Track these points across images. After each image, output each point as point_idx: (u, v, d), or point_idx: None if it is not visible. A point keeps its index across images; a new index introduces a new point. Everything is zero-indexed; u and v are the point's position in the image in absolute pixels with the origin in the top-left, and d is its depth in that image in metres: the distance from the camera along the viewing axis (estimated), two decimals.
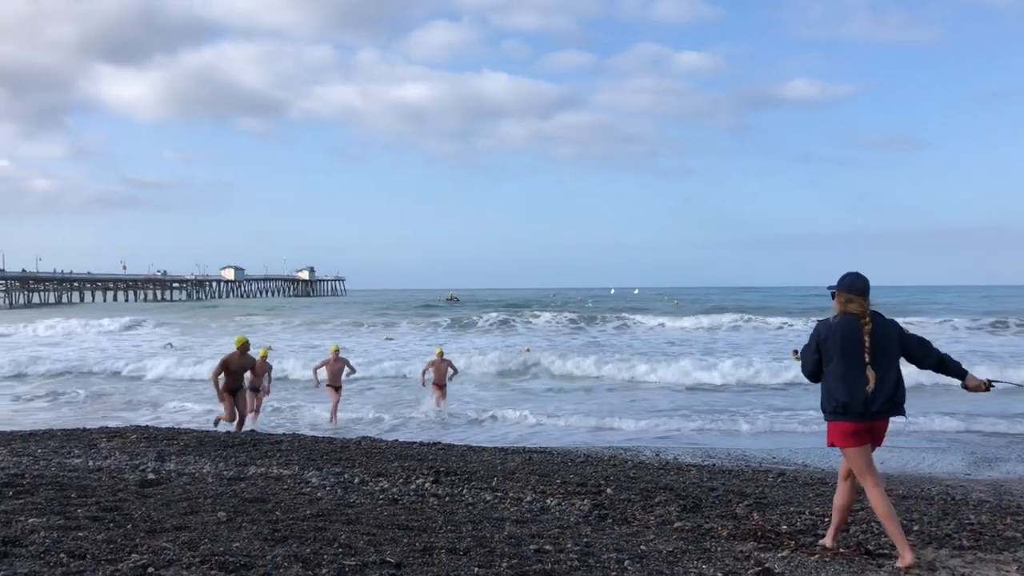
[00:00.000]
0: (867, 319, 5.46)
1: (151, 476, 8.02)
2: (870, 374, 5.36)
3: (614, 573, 4.83)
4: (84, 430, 12.05)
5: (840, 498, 5.74)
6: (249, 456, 9.53)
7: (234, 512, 6.19)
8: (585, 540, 5.71)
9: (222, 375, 12.88)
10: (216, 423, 13.34)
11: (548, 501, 7.27)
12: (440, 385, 17.01)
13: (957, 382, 5.65)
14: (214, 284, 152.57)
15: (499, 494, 7.52)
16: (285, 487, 7.64)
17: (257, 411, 14.69)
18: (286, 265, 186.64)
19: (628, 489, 7.87)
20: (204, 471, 8.46)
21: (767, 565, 5.17)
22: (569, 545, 5.50)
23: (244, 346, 13.28)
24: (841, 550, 5.66)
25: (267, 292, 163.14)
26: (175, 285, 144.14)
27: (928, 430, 13.61)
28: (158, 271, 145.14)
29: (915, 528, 6.43)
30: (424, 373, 17.28)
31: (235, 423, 13.09)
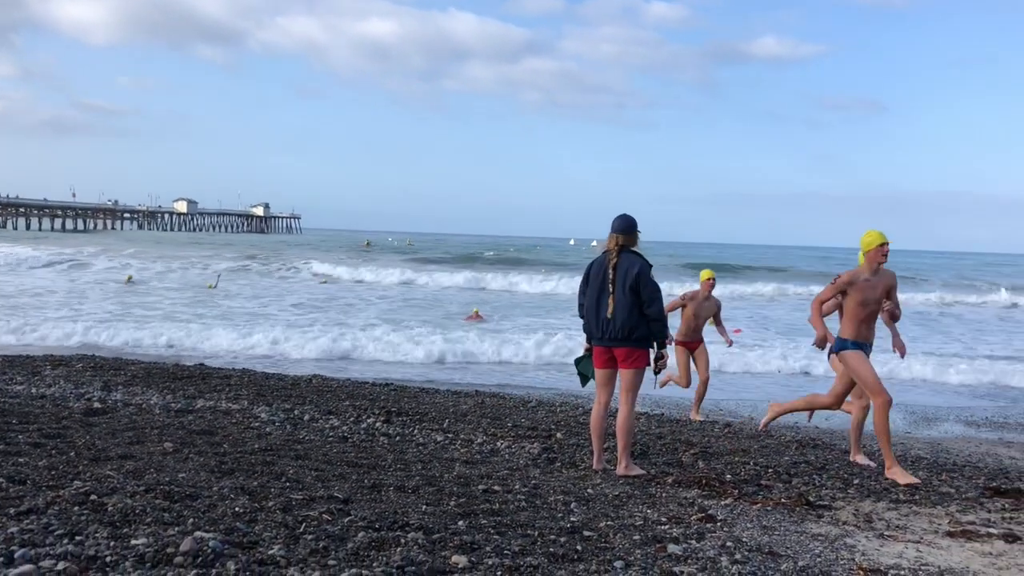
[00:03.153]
0: (614, 254, 6.15)
1: (96, 405, 7.91)
2: (610, 300, 6.09)
3: (560, 514, 4.88)
4: (28, 357, 11.81)
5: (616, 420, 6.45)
6: (198, 389, 9.43)
7: (181, 443, 6.13)
8: (533, 482, 5.76)
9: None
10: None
11: (498, 444, 7.32)
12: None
13: None
14: (166, 216, 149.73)
15: (450, 435, 7.55)
16: (234, 421, 7.58)
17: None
18: (240, 200, 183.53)
19: (578, 434, 7.95)
20: (151, 402, 8.36)
21: (710, 512, 5.27)
22: (517, 486, 5.54)
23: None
24: (783, 500, 5.79)
25: (220, 227, 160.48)
26: (126, 216, 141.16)
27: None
28: (109, 200, 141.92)
29: (855, 482, 6.59)
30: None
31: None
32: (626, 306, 6.06)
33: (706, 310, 9.89)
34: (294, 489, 4.88)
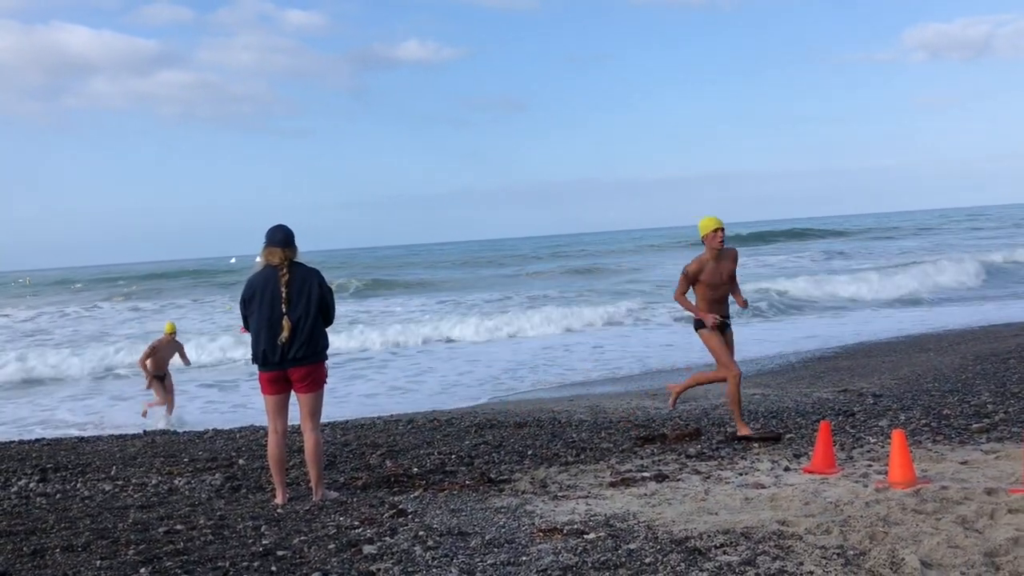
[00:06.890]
0: (284, 270, 5.67)
1: None
2: (285, 323, 5.58)
3: (251, 540, 4.77)
4: None
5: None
6: None
7: None
8: (219, 513, 5.55)
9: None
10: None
11: (176, 481, 6.92)
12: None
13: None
14: None
15: (120, 482, 7.00)
16: None
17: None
18: None
19: (261, 457, 7.73)
20: None
21: (401, 506, 5.42)
22: (202, 521, 5.31)
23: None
24: (467, 482, 6.10)
25: None
26: None
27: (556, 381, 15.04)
28: None
29: (529, 453, 7.12)
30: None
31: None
32: (309, 323, 5.64)
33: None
34: None
